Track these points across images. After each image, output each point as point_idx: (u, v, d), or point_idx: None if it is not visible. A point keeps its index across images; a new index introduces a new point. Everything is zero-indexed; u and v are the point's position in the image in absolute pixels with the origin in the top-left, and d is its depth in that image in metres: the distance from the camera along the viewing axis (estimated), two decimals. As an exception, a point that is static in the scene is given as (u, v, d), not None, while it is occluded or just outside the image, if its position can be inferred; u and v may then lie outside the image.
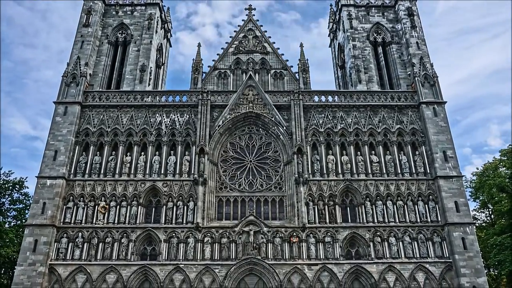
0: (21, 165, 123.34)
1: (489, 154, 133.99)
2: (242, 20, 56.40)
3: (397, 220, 42.02)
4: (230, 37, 55.06)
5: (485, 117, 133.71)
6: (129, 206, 42.42)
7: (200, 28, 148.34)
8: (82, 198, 42.63)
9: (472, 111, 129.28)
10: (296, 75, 51.85)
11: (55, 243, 40.59)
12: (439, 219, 42.12)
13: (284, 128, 46.00)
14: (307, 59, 51.69)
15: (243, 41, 54.63)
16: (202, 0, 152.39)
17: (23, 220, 51.81)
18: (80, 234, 40.96)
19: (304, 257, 40.40)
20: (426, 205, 42.86)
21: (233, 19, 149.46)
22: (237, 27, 56.19)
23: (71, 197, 42.68)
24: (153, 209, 43.21)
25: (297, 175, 43.17)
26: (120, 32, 53.85)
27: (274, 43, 54.74)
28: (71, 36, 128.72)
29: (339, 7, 57.76)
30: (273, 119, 46.64)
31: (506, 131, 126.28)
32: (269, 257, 40.39)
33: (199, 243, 40.82)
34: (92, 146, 45.37)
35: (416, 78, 48.72)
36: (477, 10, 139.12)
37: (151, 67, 52.22)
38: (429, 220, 42.17)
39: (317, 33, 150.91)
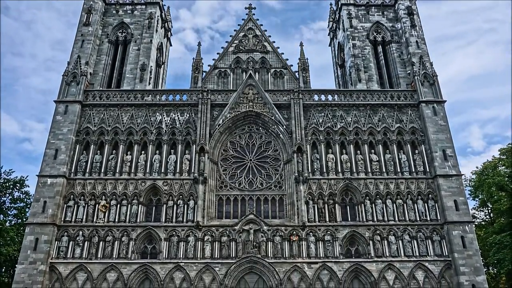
0: (11, 166, 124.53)
1: (473, 155, 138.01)
2: (242, 19, 56.60)
3: (396, 219, 42.16)
4: (230, 36, 55.12)
5: (465, 121, 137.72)
6: (129, 205, 42.55)
7: (181, 33, 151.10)
8: (82, 197, 42.73)
9: (451, 114, 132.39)
10: (296, 74, 51.90)
11: (56, 242, 40.67)
12: (439, 218, 42.27)
13: (284, 127, 46.13)
14: (307, 58, 51.92)
15: (243, 40, 54.68)
16: (182, 6, 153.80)
17: (24, 219, 52.06)
18: (80, 232, 41.05)
19: (304, 256, 40.55)
20: (426, 204, 42.98)
21: (213, 25, 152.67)
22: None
23: (72, 196, 42.76)
24: (154, 207, 43.28)
25: (297, 174, 43.31)
26: (120, 31, 53.92)
27: (274, 42, 54.88)
28: (57, 45, 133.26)
29: (339, 6, 57.91)
30: (273, 118, 46.77)
31: (487, 134, 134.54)
32: (269, 255, 40.53)
33: (199, 242, 40.96)
34: (92, 145, 45.46)
35: (416, 77, 48.81)
36: (450, 18, 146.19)
37: (151, 66, 52.27)
38: (428, 218, 42.31)
39: (298, 39, 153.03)
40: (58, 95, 47.33)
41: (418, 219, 42.19)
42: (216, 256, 40.52)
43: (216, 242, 41.08)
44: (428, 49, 51.42)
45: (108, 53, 52.56)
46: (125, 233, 41.16)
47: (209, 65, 52.94)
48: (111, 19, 54.61)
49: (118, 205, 42.56)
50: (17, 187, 53.93)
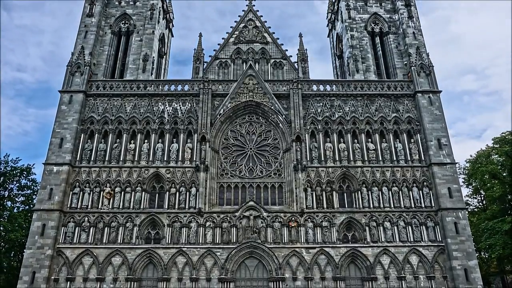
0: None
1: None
2: (243, 10, 57.09)
3: (392, 206, 43.35)
4: (231, 27, 55.74)
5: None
6: (133, 192, 43.68)
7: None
8: (88, 184, 43.89)
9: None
10: (295, 64, 52.61)
11: (62, 227, 41.89)
12: (433, 205, 43.46)
13: (283, 116, 47.15)
14: (306, 49, 52.63)
15: (243, 31, 55.29)
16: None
17: (31, 205, 53.08)
18: (86, 218, 42.29)
19: (302, 241, 41.81)
20: (421, 191, 44.14)
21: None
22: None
23: (77, 183, 43.92)
24: (157, 194, 44.36)
25: (295, 162, 44.46)
26: (123, 22, 54.47)
27: (273, 33, 55.49)
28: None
29: (338, -3, 58.69)
30: (272, 107, 47.77)
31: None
32: (269, 241, 41.78)
33: (201, 228, 42.22)
34: (97, 134, 46.47)
35: (412, 68, 49.67)
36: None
37: (153, 57, 52.93)
38: (423, 205, 43.50)
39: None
40: (63, 85, 48.22)
41: (413, 206, 43.38)
42: (217, 242, 41.78)
43: (218, 228, 42.31)
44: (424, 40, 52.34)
45: (111, 44, 53.13)
46: (129, 219, 42.39)
47: (210, 56, 53.78)
48: (114, 10, 55.10)
49: (122, 192, 43.70)
50: (24, 175, 54.96)
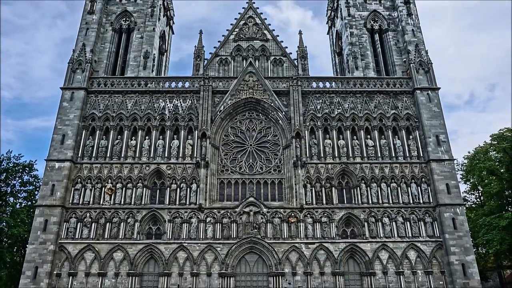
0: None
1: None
2: (243, 7, 57.29)
3: (390, 202, 43.80)
4: (231, 24, 55.96)
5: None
6: (134, 188, 44.12)
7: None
8: (89, 180, 44.30)
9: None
10: (295, 61, 52.84)
11: (65, 223, 42.34)
12: (431, 201, 43.88)
13: (283, 113, 47.51)
14: (306, 46, 52.87)
15: (243, 28, 55.52)
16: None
17: (34, 201, 53.37)
18: (88, 214, 42.73)
19: (302, 236, 42.26)
20: (419, 187, 44.53)
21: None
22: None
23: (79, 179, 44.34)
24: (158, 190, 44.81)
25: (295, 159, 44.85)
26: (124, 19, 54.70)
27: (273, 30, 55.73)
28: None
29: (338, -5, 58.84)
30: (272, 104, 48.11)
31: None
32: (269, 236, 42.24)
33: (202, 223, 42.66)
34: (98, 131, 46.80)
35: (412, 65, 49.96)
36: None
37: (154, 54, 53.24)
38: (421, 201, 43.92)
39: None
40: (64, 82, 48.49)
41: (411, 202, 43.81)
42: (218, 237, 42.23)
43: (218, 224, 42.75)
44: (423, 37, 52.59)
45: (112, 41, 53.39)
46: (131, 214, 42.85)
47: (210, 53, 53.98)
48: (115, 7, 55.30)
49: (124, 188, 44.13)
50: (26, 171, 55.27)
